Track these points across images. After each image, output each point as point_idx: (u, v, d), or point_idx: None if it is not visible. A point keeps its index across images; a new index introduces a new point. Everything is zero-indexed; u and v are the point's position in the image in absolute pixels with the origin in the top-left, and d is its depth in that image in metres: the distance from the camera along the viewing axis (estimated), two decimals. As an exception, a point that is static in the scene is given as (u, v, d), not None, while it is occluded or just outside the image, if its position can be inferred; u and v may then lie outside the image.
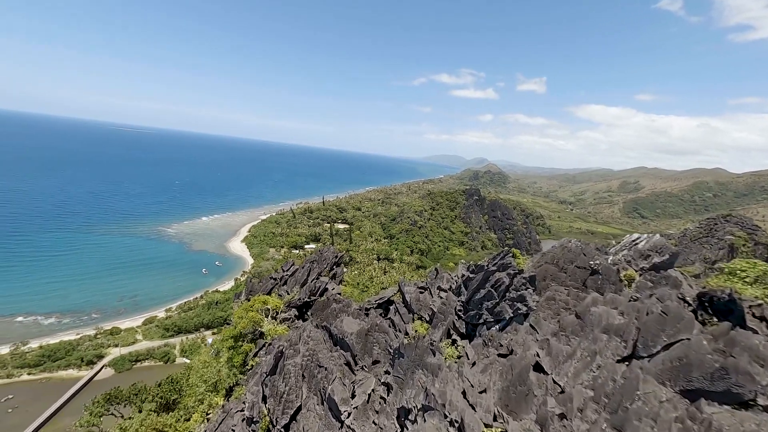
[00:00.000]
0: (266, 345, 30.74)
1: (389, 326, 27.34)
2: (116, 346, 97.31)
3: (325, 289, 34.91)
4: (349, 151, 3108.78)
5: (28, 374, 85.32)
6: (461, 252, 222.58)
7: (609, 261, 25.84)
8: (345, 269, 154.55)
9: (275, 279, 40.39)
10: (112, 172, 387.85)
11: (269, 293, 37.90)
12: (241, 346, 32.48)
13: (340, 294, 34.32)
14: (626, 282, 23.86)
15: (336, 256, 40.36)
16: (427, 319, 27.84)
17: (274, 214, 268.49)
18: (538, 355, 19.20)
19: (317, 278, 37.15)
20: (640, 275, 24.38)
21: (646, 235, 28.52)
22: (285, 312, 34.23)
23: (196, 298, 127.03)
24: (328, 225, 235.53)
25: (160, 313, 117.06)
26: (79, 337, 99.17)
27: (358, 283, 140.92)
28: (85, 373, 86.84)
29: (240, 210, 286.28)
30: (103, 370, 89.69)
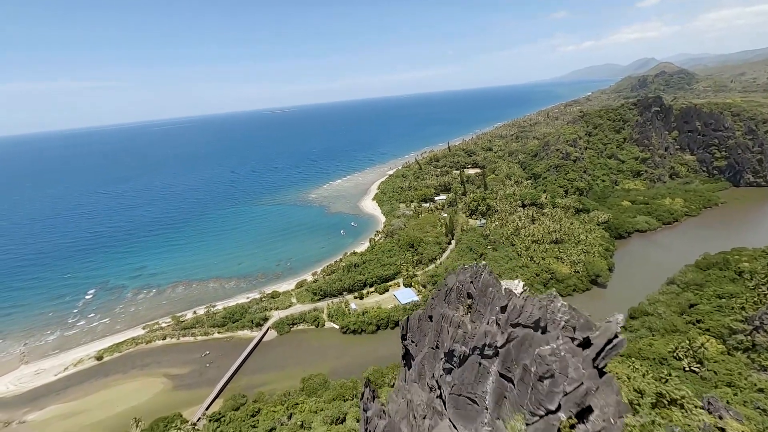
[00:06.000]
0: None
1: None
2: (276, 309, 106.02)
3: None
4: (472, 88, 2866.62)
5: (218, 333, 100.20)
6: (639, 185, 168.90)
7: None
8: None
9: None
10: (266, 151, 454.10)
11: None
12: None
13: None
14: None
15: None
16: None
17: (399, 167, 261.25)
18: None
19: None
20: None
21: None
22: None
23: (337, 261, 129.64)
24: (458, 172, 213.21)
25: (309, 277, 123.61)
26: (248, 300, 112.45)
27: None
28: (256, 334, 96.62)
29: (368, 168, 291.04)
30: (269, 332, 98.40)
